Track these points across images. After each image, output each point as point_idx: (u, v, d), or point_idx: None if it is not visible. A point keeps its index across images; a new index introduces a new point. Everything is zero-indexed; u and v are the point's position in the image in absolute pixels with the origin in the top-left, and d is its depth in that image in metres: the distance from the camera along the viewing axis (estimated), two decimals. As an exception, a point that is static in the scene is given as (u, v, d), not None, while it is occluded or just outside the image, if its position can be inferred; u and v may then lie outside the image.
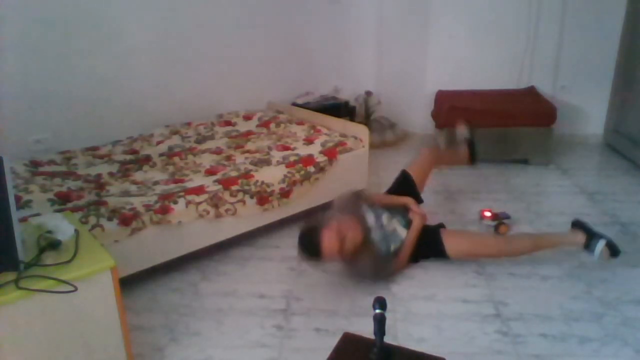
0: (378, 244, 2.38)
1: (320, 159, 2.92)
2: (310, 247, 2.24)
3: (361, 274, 2.34)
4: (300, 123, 3.44)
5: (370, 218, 2.42)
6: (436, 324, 2.13)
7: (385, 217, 2.47)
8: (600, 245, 2.29)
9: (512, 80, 4.25)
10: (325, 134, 3.20)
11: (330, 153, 2.98)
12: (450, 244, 2.44)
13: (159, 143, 3.17)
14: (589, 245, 2.34)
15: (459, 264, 2.53)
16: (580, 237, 2.41)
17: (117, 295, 1.64)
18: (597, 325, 2.11)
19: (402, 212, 2.58)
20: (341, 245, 2.21)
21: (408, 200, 2.60)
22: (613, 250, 2.32)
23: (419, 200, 2.72)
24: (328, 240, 2.20)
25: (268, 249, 2.75)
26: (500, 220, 2.92)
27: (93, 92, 3.25)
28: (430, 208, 3.14)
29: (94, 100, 3.26)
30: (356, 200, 2.50)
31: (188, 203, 2.41)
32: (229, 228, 2.62)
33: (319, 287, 2.42)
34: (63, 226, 1.73)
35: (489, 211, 2.99)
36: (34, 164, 2.75)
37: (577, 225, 2.51)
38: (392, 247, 2.43)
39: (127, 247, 2.23)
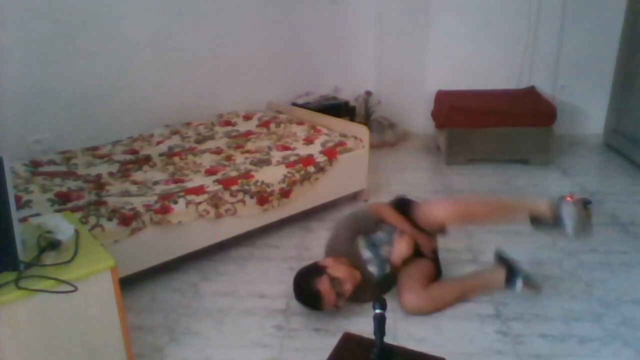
0: (374, 273, 2.26)
1: (320, 159, 2.92)
2: (310, 303, 2.15)
3: (365, 300, 2.24)
4: (300, 123, 3.44)
5: (366, 254, 2.27)
6: (436, 324, 2.13)
7: (387, 250, 2.30)
8: (519, 285, 2.20)
9: (512, 80, 4.25)
10: (325, 134, 3.20)
11: (330, 153, 2.98)
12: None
13: (159, 143, 3.17)
14: (510, 282, 2.23)
15: (459, 265, 2.53)
16: (499, 277, 2.27)
17: (117, 295, 1.64)
18: (597, 325, 2.11)
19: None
20: (340, 297, 2.12)
21: (406, 229, 2.29)
22: (532, 285, 2.22)
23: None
24: (326, 297, 2.08)
25: (268, 249, 2.75)
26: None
27: (93, 92, 3.25)
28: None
29: (94, 100, 3.26)
30: (351, 236, 2.31)
31: (188, 203, 2.41)
32: (229, 228, 2.61)
33: (319, 287, 2.41)
34: (63, 226, 1.73)
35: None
36: (34, 164, 2.75)
37: (499, 259, 2.36)
38: (388, 267, 2.31)
39: (127, 247, 2.23)
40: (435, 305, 2.20)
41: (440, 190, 3.47)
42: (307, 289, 2.11)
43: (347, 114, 4.27)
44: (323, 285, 2.07)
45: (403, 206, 2.38)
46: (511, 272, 2.27)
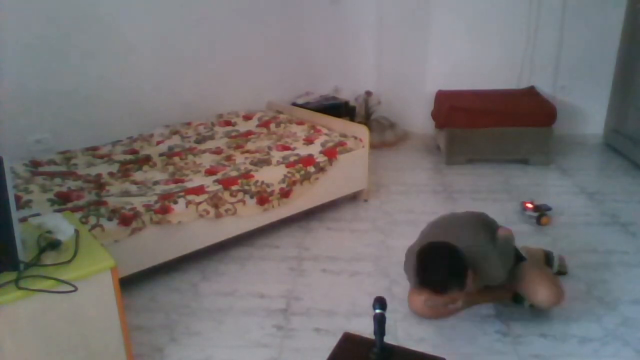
0: None
1: (320, 159, 2.92)
2: (433, 284, 1.92)
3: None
4: (300, 123, 3.44)
5: None
6: (436, 324, 2.14)
7: None
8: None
9: (512, 80, 4.24)
10: (325, 134, 3.20)
11: (330, 153, 2.98)
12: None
13: (159, 143, 3.17)
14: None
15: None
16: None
17: (117, 295, 1.64)
18: (597, 325, 2.11)
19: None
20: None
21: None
22: None
23: None
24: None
25: (268, 249, 2.75)
26: (542, 212, 2.95)
27: (93, 92, 3.25)
28: (431, 208, 3.15)
29: (94, 100, 3.26)
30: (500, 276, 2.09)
31: (188, 203, 2.41)
32: (229, 228, 2.62)
33: (319, 287, 2.42)
34: (63, 226, 1.73)
35: (531, 203, 3.03)
36: (34, 164, 2.75)
37: None
38: None
39: (127, 247, 2.23)
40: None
41: (440, 190, 3.47)
42: (445, 275, 1.88)
43: (347, 114, 4.27)
44: (454, 293, 1.93)
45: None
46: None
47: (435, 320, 2.15)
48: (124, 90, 3.38)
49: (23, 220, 1.88)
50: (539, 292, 2.07)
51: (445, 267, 1.89)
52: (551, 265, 2.43)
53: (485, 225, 2.21)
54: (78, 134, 3.20)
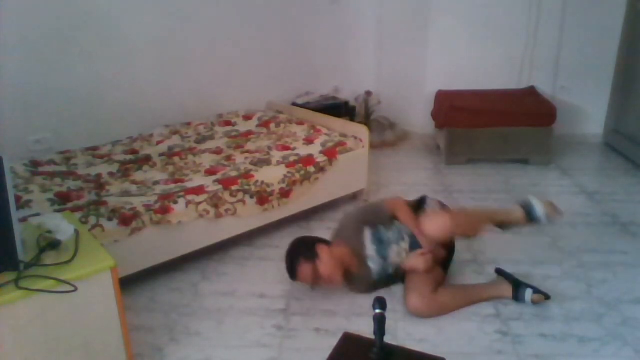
0: (373, 270, 2.28)
1: (320, 159, 2.92)
2: (288, 269, 2.25)
3: (357, 292, 2.32)
4: (300, 123, 3.44)
5: (371, 248, 2.28)
6: (436, 324, 2.13)
7: (395, 249, 2.29)
8: (529, 294, 2.21)
9: (512, 80, 4.25)
10: (325, 134, 3.20)
11: (330, 153, 2.98)
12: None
13: (159, 143, 3.17)
14: (517, 297, 2.24)
15: (459, 265, 2.53)
16: (507, 289, 2.27)
17: (117, 295, 1.64)
18: (597, 325, 2.11)
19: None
20: (314, 284, 2.22)
21: (418, 234, 2.28)
22: (543, 295, 2.23)
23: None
24: (301, 279, 2.23)
25: (268, 249, 2.75)
26: None
27: (93, 92, 3.25)
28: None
29: (94, 100, 3.26)
30: (359, 226, 2.32)
31: (188, 203, 2.41)
32: (229, 228, 2.62)
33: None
34: (63, 226, 1.73)
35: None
36: (34, 164, 2.75)
37: (500, 274, 2.37)
38: (391, 270, 2.32)
39: (127, 247, 2.23)
40: (440, 312, 2.18)
41: (440, 190, 3.46)
42: (291, 259, 2.24)
43: (347, 114, 4.27)
44: (304, 270, 2.19)
45: (419, 208, 2.42)
46: (517, 286, 2.25)
47: (434, 319, 2.15)
48: (124, 90, 3.38)
49: (23, 220, 1.88)
50: (427, 225, 2.24)
51: (289, 254, 2.26)
52: (533, 218, 2.31)
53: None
54: (78, 134, 3.20)
